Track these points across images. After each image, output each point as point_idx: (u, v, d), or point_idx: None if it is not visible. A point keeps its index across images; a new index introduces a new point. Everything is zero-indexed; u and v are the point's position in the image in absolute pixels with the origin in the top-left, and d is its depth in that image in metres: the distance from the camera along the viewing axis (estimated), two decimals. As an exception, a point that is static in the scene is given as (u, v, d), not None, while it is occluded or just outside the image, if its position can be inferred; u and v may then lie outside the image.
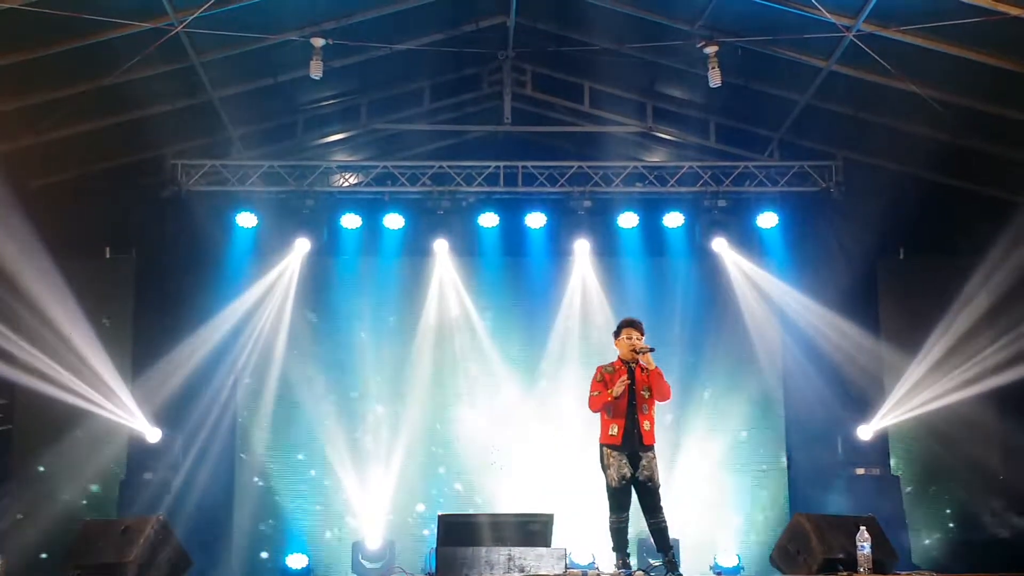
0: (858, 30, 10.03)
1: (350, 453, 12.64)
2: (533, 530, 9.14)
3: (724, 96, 11.77)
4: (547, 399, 12.93)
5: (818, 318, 12.33)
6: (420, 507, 12.62)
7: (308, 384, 12.84)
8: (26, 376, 11.11)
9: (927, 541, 12.02)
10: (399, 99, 12.86)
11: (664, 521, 8.37)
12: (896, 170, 12.22)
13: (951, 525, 12.06)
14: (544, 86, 13.04)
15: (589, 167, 12.67)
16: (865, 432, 12.11)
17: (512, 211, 12.78)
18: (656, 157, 13.70)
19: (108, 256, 12.55)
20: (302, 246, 12.74)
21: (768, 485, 12.68)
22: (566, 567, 8.44)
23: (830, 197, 12.47)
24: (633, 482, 8.29)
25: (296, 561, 11.93)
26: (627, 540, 8.42)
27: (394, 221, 12.70)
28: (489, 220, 12.78)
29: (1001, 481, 11.89)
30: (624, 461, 8.25)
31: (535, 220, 12.81)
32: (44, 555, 11.00)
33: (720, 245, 12.79)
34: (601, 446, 8.42)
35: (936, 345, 11.77)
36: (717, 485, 12.62)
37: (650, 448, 8.34)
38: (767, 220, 12.67)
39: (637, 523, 8.82)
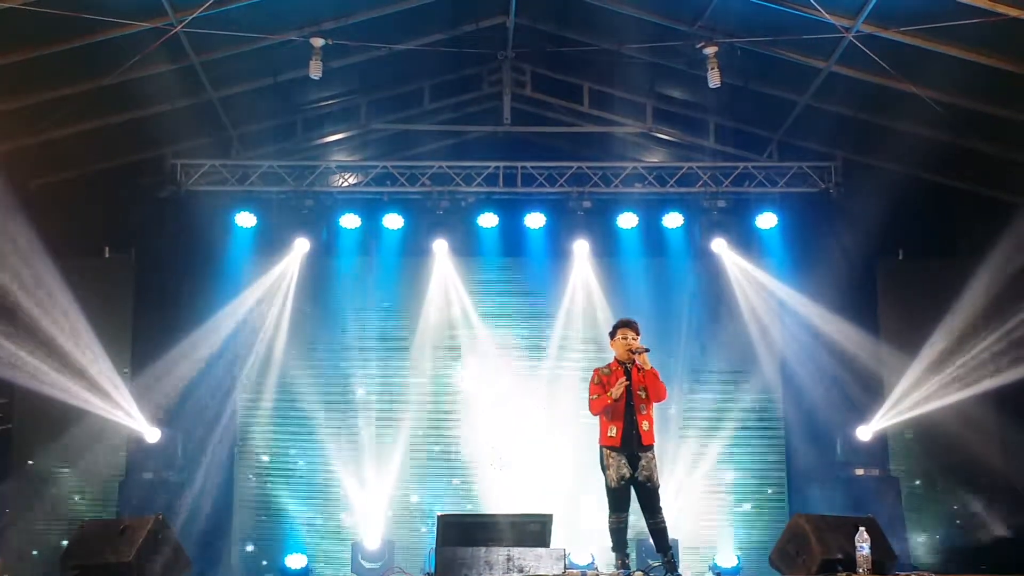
0: (857, 31, 10.04)
1: (349, 453, 12.64)
2: (532, 530, 9.12)
3: (724, 97, 11.76)
4: (546, 399, 12.93)
5: (817, 319, 12.32)
6: (414, 498, 12.60)
7: (307, 384, 12.85)
8: (25, 376, 11.09)
9: (926, 542, 12.01)
10: (399, 99, 12.87)
11: (663, 521, 8.37)
12: (895, 171, 12.22)
13: (950, 526, 12.05)
14: (544, 86, 13.04)
15: (588, 167, 12.68)
16: (864, 433, 12.10)
17: (511, 211, 12.79)
18: (655, 158, 13.70)
19: (107, 256, 12.55)
20: (301, 246, 12.74)
21: (767, 486, 12.69)
22: (565, 567, 8.42)
23: (829, 198, 12.48)
24: (632, 482, 8.30)
25: (295, 561, 11.93)
26: (626, 540, 8.42)
27: (393, 221, 12.70)
28: (488, 220, 12.78)
29: (1000, 481, 11.89)
30: (623, 461, 8.26)
31: (534, 220, 12.81)
32: (43, 555, 10.99)
33: (719, 246, 12.79)
34: (601, 447, 8.43)
35: (935, 346, 11.76)
36: (716, 485, 12.62)
37: (649, 448, 8.35)
38: (766, 221, 12.68)
39: (636, 523, 8.83)
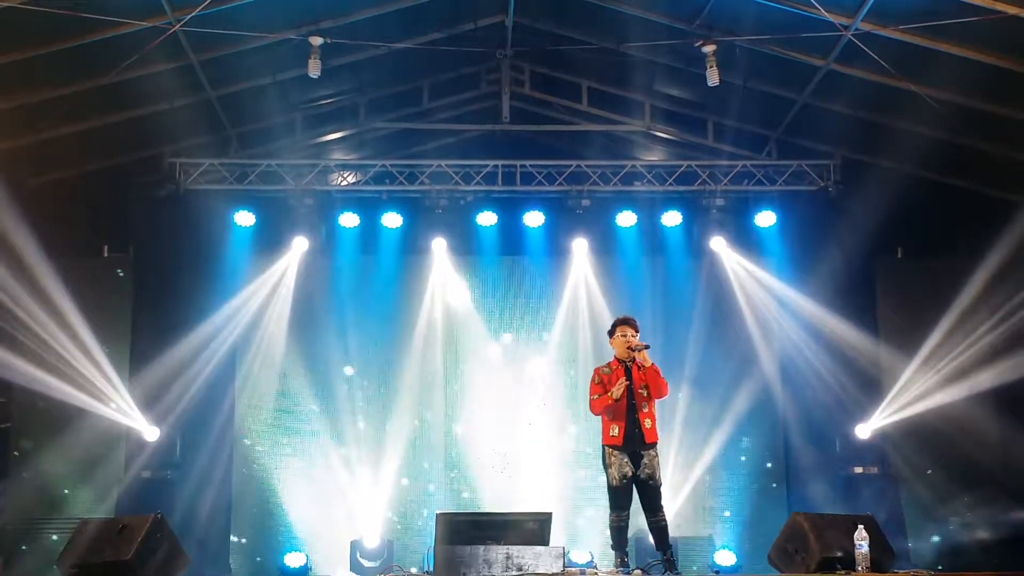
0: (856, 29, 10.04)
1: (348, 452, 12.67)
2: (531, 528, 9.12)
3: (723, 95, 11.76)
4: (545, 398, 12.94)
5: (816, 317, 12.34)
6: (413, 496, 12.59)
7: (306, 383, 12.87)
8: (24, 375, 11.09)
9: (925, 540, 12.00)
10: (397, 98, 12.86)
11: (664, 520, 8.37)
12: (894, 169, 12.20)
13: (949, 524, 12.04)
14: (542, 85, 13.03)
15: (587, 166, 12.68)
16: (863, 431, 12.12)
17: (510, 210, 12.79)
18: (654, 156, 13.69)
19: (106, 255, 12.52)
20: (300, 245, 12.75)
21: (765, 483, 12.70)
22: (564, 566, 8.42)
23: (828, 196, 12.48)
24: (634, 480, 8.28)
25: (294, 560, 11.92)
26: (627, 539, 8.43)
27: (392, 220, 12.71)
28: (487, 219, 12.79)
29: (999, 480, 11.89)
30: (625, 460, 8.24)
31: (533, 219, 12.82)
32: (41, 554, 10.98)
33: (718, 244, 12.80)
34: (603, 446, 8.41)
35: (934, 344, 11.77)
36: (715, 483, 12.64)
37: (652, 446, 8.33)
38: (765, 219, 12.69)
39: (635, 522, 8.82)
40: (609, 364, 8.51)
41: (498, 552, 8.40)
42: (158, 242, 12.44)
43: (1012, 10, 9.18)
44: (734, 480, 12.69)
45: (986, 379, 11.56)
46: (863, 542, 7.97)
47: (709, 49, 10.72)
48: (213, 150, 12.66)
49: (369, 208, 12.73)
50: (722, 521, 12.56)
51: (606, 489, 8.49)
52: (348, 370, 12.92)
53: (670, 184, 12.63)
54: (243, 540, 12.40)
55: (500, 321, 13.16)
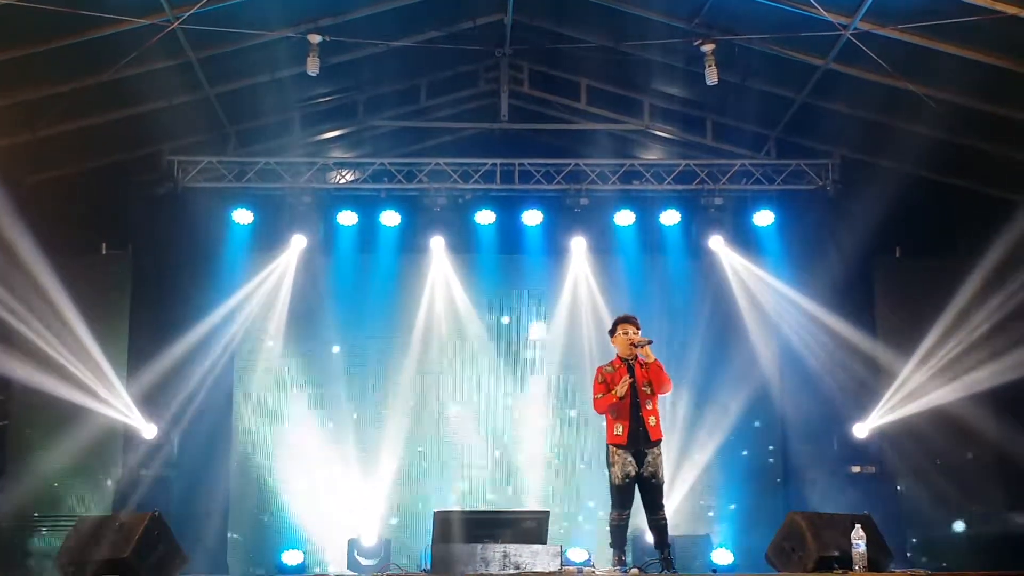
0: (855, 28, 10.04)
1: (346, 449, 12.66)
2: (528, 527, 9.14)
3: (721, 94, 11.76)
4: (543, 396, 12.95)
5: (814, 316, 12.34)
6: (410, 495, 12.56)
7: (304, 381, 12.88)
8: (22, 372, 11.08)
9: (922, 539, 12.01)
10: (396, 96, 12.85)
11: (664, 519, 8.35)
12: (893, 169, 12.21)
13: (946, 523, 12.05)
14: (541, 83, 13.04)
15: (586, 164, 12.68)
16: (861, 430, 12.13)
17: (509, 208, 12.79)
18: (652, 155, 13.69)
19: (104, 252, 12.51)
20: (298, 243, 12.74)
21: (763, 483, 12.70)
22: (561, 564, 8.43)
23: (826, 195, 12.49)
24: (637, 479, 8.26)
25: (291, 557, 11.93)
26: (626, 538, 8.38)
27: (390, 218, 12.70)
28: (486, 217, 12.79)
29: (996, 479, 11.90)
30: (629, 459, 8.20)
31: (532, 217, 12.82)
32: (39, 551, 10.98)
33: (716, 243, 12.81)
34: (607, 445, 8.37)
35: (932, 344, 11.77)
36: (712, 482, 12.65)
37: (656, 444, 8.28)
38: (763, 218, 12.70)
39: (633, 520, 8.81)
40: (612, 363, 8.47)
41: (495, 550, 8.41)
42: (156, 240, 12.42)
43: (1011, 10, 9.18)
44: (732, 479, 12.69)
45: (984, 379, 11.55)
46: (860, 541, 7.97)
47: (708, 48, 10.72)
48: (212, 148, 12.66)
49: (367, 206, 12.73)
50: (719, 520, 12.57)
51: (608, 487, 8.46)
52: (335, 349, 12.89)
53: (669, 183, 12.64)
54: (240, 538, 12.39)
55: (498, 320, 13.17)
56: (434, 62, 12.26)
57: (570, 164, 12.66)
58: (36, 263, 10.89)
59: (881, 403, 12.05)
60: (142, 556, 8.53)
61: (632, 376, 8.27)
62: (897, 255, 12.87)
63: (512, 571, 8.23)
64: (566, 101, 13.05)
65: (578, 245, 13.00)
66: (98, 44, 10.05)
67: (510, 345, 13.13)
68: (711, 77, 10.71)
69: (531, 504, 12.20)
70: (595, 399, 8.42)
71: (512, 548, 8.47)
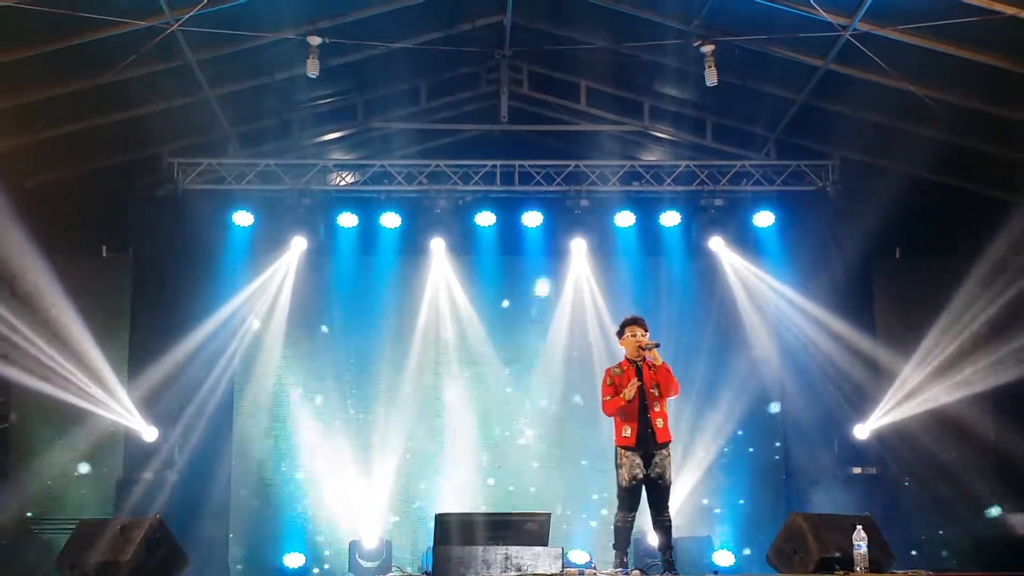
0: (854, 29, 10.04)
1: (347, 452, 12.65)
2: (530, 529, 9.12)
3: (721, 95, 11.77)
4: (543, 397, 12.95)
5: (814, 317, 12.34)
6: (411, 497, 12.55)
7: (304, 383, 12.88)
8: (23, 375, 11.08)
9: (923, 540, 12.02)
10: (396, 98, 12.84)
11: (669, 520, 8.33)
12: (892, 170, 12.22)
13: (947, 524, 12.06)
14: (541, 85, 13.04)
15: (586, 166, 12.68)
16: (861, 431, 12.12)
17: (509, 210, 12.78)
18: (653, 156, 13.70)
19: (105, 254, 12.55)
20: (298, 245, 12.74)
21: (764, 484, 12.70)
22: (563, 566, 8.42)
23: (826, 196, 12.50)
24: (644, 480, 8.25)
25: (293, 560, 11.93)
26: (630, 539, 8.39)
27: (390, 220, 12.69)
28: (486, 219, 12.78)
29: (996, 480, 11.90)
30: (637, 461, 8.18)
31: (532, 219, 12.81)
32: (40, 553, 10.99)
33: (716, 244, 12.81)
34: (616, 447, 8.36)
35: (932, 345, 11.77)
36: (713, 484, 12.64)
37: (664, 445, 8.27)
38: (763, 219, 12.69)
39: (635, 522, 8.81)
40: (620, 364, 8.44)
41: (497, 553, 8.40)
42: (157, 242, 12.44)
43: (1011, 11, 9.18)
44: (732, 480, 12.69)
45: (984, 380, 11.56)
46: (861, 542, 7.97)
47: (708, 49, 10.73)
48: (212, 150, 12.66)
49: (368, 208, 12.72)
50: (721, 521, 12.56)
51: (614, 488, 8.44)
52: (346, 369, 12.91)
53: (669, 184, 12.64)
54: (241, 541, 12.38)
55: (498, 321, 13.14)
56: (434, 64, 12.26)
57: (570, 165, 12.67)
58: (36, 265, 10.89)
59: (882, 404, 12.05)
60: (143, 559, 8.54)
61: (640, 378, 8.26)
62: (897, 256, 12.88)
63: (514, 573, 8.22)
64: (566, 102, 13.06)
65: (578, 246, 13.00)
66: (98, 46, 10.06)
67: (509, 346, 13.11)
68: (711, 78, 10.71)
69: (532, 505, 12.19)
70: (603, 401, 8.40)
71: (514, 550, 8.46)
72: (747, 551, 12.14)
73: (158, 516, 8.94)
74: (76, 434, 11.56)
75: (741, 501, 12.63)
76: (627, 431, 8.23)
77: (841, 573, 7.99)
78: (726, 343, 12.84)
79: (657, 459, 8.22)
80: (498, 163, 12.63)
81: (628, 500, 8.25)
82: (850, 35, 10.10)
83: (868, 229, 11.94)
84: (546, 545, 8.87)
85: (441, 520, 9.32)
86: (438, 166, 12.63)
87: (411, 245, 12.91)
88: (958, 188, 12.41)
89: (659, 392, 8.27)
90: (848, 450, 12.13)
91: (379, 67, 12.00)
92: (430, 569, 8.73)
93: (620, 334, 8.51)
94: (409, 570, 10.72)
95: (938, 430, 11.78)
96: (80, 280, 11.61)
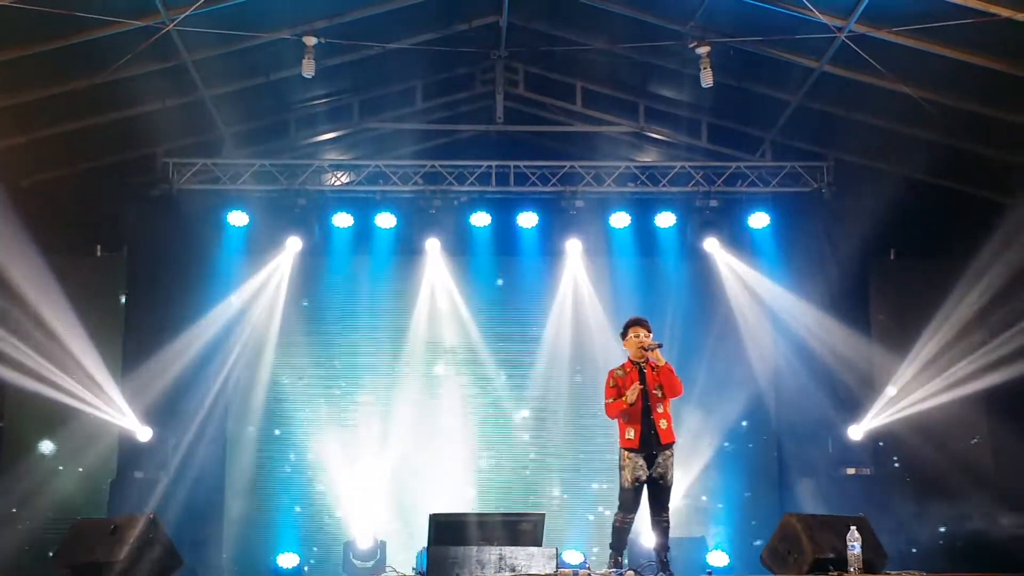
0: (850, 31, 10.05)
1: (341, 452, 12.64)
2: (524, 529, 9.12)
3: (716, 96, 11.76)
4: (539, 398, 12.95)
5: (809, 318, 12.34)
6: (406, 496, 12.54)
7: (299, 383, 12.88)
8: (16, 374, 11.07)
9: (917, 541, 12.03)
10: (391, 98, 12.86)
11: (668, 520, 8.32)
12: (887, 171, 12.25)
13: (941, 525, 12.08)
14: (536, 86, 13.04)
15: (581, 167, 12.69)
16: (855, 432, 12.14)
17: (504, 210, 12.79)
18: (648, 157, 13.71)
19: (99, 254, 12.54)
20: (294, 245, 12.73)
21: (758, 485, 12.71)
22: (557, 566, 8.42)
23: (821, 198, 12.51)
24: (646, 481, 8.24)
25: (287, 560, 11.91)
26: (627, 540, 8.39)
27: (386, 220, 12.69)
28: (481, 219, 12.78)
29: (990, 481, 11.92)
30: (640, 463, 8.17)
31: (527, 219, 12.81)
32: (34, 553, 10.97)
33: (712, 245, 12.81)
34: (620, 449, 8.34)
35: (926, 346, 11.79)
36: (708, 484, 12.63)
37: (668, 447, 8.25)
38: (758, 220, 12.70)
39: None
40: (623, 366, 8.42)
41: (491, 553, 8.40)
42: (151, 242, 12.42)
43: (1006, 12, 9.19)
44: (727, 481, 12.69)
45: (978, 381, 11.58)
46: (855, 543, 7.98)
47: (703, 50, 10.72)
48: (206, 150, 12.65)
49: (363, 208, 12.72)
50: (715, 522, 12.56)
51: (616, 487, 8.41)
52: (340, 369, 12.92)
53: (664, 185, 12.66)
54: (236, 541, 12.36)
55: (493, 322, 13.14)
56: (429, 64, 12.26)
57: (565, 166, 12.67)
58: (31, 265, 10.87)
59: (876, 405, 12.06)
60: (137, 559, 8.52)
61: (643, 380, 8.24)
62: (892, 257, 12.89)
63: (508, 573, 8.23)
64: (561, 103, 13.06)
65: (573, 247, 12.99)
66: (93, 46, 10.05)
67: (505, 347, 13.11)
68: (706, 79, 10.71)
69: (527, 506, 12.19)
70: (606, 403, 8.37)
71: (508, 550, 8.46)
72: (758, 542, 12.09)
73: (152, 516, 8.92)
74: (69, 434, 11.54)
75: (735, 501, 12.63)
76: (631, 433, 8.22)
77: (835, 574, 8.00)
78: (720, 344, 12.83)
79: (660, 459, 8.21)
80: (494, 164, 12.63)
81: (628, 502, 8.24)
82: (845, 37, 10.11)
83: (863, 230, 11.95)
84: (540, 545, 8.88)
85: (435, 520, 9.32)
86: (433, 166, 12.63)
87: (406, 246, 12.91)
88: (953, 190, 12.43)
89: (662, 393, 8.26)
90: (842, 451, 12.15)
91: (375, 67, 12.02)
92: (424, 569, 8.73)
93: (623, 335, 8.49)
94: (403, 571, 10.71)
95: (932, 431, 11.80)
96: (74, 280, 11.59)
